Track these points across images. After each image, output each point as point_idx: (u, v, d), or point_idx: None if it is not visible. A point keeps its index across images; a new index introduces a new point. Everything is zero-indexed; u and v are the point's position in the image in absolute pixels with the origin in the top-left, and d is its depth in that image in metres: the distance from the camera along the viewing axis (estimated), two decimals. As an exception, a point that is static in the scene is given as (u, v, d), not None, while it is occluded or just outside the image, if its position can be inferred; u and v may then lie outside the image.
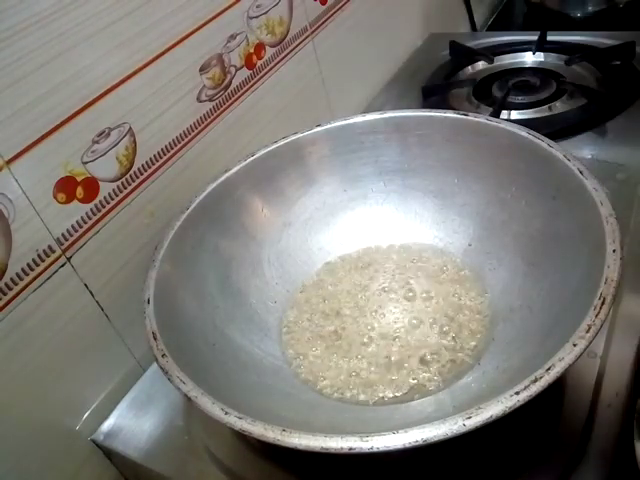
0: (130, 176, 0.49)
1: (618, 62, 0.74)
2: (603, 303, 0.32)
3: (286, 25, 0.63)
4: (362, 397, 0.43)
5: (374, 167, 0.55)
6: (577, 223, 0.40)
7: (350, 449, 0.30)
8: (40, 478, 0.45)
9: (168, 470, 0.44)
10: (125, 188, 0.48)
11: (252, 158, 0.52)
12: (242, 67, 0.58)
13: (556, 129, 0.64)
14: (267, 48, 0.61)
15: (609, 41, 0.78)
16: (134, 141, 0.49)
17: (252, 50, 0.59)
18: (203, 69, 0.54)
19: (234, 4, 0.56)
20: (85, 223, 0.45)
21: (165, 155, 0.52)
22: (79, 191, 0.45)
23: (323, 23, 0.69)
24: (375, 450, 0.30)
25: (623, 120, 0.66)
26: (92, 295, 0.47)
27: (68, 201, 0.44)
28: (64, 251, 0.44)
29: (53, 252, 0.43)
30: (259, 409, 0.35)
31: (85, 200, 0.45)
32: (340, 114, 0.57)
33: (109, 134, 0.46)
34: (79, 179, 0.45)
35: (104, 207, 0.47)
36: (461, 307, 0.47)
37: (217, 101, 0.56)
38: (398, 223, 0.55)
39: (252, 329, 0.47)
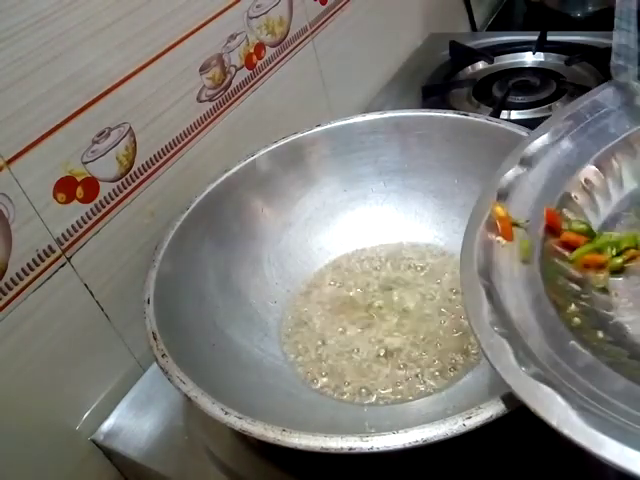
0: (130, 176, 0.49)
1: (618, 62, 0.74)
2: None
3: (286, 25, 0.63)
4: (362, 397, 0.43)
5: (374, 167, 0.55)
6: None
7: (350, 449, 0.30)
8: (40, 478, 0.45)
9: (168, 470, 0.44)
10: (125, 188, 0.48)
11: (252, 158, 0.52)
12: (242, 67, 0.58)
13: (556, 129, 0.64)
14: (267, 48, 0.61)
15: (609, 41, 0.78)
16: (134, 141, 0.48)
17: (252, 50, 0.59)
18: (203, 69, 0.54)
19: (234, 4, 0.56)
20: (85, 223, 0.45)
21: (165, 155, 0.52)
22: (79, 191, 0.45)
23: (323, 23, 0.69)
24: (375, 450, 0.30)
25: (623, 120, 0.66)
26: (92, 295, 0.47)
27: (68, 201, 0.44)
28: (64, 251, 0.44)
29: (53, 252, 0.43)
30: (259, 409, 0.35)
31: (85, 200, 0.45)
32: (340, 114, 0.57)
33: (109, 134, 0.46)
34: (79, 179, 0.45)
35: (104, 207, 0.47)
36: (461, 307, 0.47)
37: (217, 101, 0.56)
38: (398, 223, 0.55)
39: (252, 329, 0.47)
